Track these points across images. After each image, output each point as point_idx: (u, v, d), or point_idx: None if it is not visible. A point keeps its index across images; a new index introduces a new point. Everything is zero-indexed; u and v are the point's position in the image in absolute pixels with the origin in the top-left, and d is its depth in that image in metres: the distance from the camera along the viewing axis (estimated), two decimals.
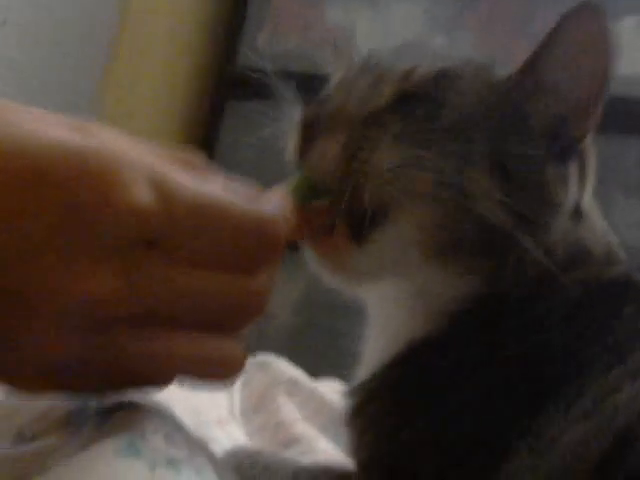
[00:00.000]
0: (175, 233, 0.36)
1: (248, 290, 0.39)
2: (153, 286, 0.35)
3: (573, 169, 0.53)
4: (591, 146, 0.55)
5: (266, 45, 1.96)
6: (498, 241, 0.49)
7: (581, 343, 0.46)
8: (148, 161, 0.35)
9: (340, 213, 0.51)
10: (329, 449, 0.79)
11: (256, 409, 0.94)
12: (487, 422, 0.45)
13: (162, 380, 0.40)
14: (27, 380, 0.37)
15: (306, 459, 0.72)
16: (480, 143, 0.50)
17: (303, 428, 0.86)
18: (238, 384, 0.98)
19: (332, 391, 0.95)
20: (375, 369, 0.54)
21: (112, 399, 0.42)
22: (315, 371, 1.05)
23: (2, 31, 1.32)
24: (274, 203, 0.41)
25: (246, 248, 0.38)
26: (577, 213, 0.53)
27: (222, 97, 1.99)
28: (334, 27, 1.85)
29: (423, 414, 0.49)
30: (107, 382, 0.39)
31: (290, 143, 0.54)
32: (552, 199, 0.51)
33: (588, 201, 0.55)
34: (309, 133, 0.52)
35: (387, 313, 0.57)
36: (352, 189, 0.49)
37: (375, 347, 0.56)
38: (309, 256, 0.55)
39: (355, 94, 0.54)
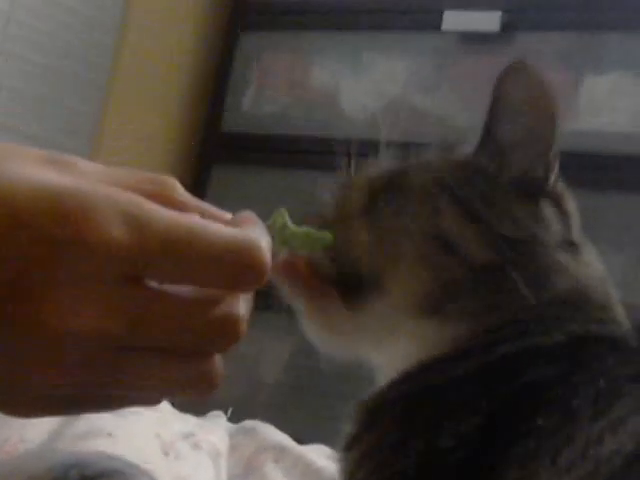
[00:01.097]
0: (152, 266, 0.37)
1: (228, 316, 0.39)
2: (134, 318, 0.37)
3: (547, 207, 0.55)
4: (565, 190, 0.58)
5: (251, 108, 1.97)
6: (487, 282, 0.52)
7: (570, 393, 0.46)
8: (122, 198, 0.36)
9: (332, 277, 0.53)
10: None
11: (243, 476, 0.92)
12: (472, 475, 0.45)
13: (147, 403, 0.43)
14: (23, 408, 0.39)
15: None
16: (447, 205, 0.54)
17: None
18: (225, 450, 0.96)
19: (320, 456, 0.94)
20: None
21: (95, 467, 0.41)
22: (303, 434, 1.03)
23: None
24: (257, 229, 0.41)
25: (226, 275, 0.38)
26: (570, 245, 0.55)
27: (207, 161, 2.00)
28: (319, 87, 1.87)
29: (408, 454, 0.48)
30: (98, 406, 0.42)
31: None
32: (526, 233, 0.53)
33: (578, 236, 0.57)
34: None
35: (382, 363, 0.57)
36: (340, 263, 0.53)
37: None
38: (299, 313, 0.55)
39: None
